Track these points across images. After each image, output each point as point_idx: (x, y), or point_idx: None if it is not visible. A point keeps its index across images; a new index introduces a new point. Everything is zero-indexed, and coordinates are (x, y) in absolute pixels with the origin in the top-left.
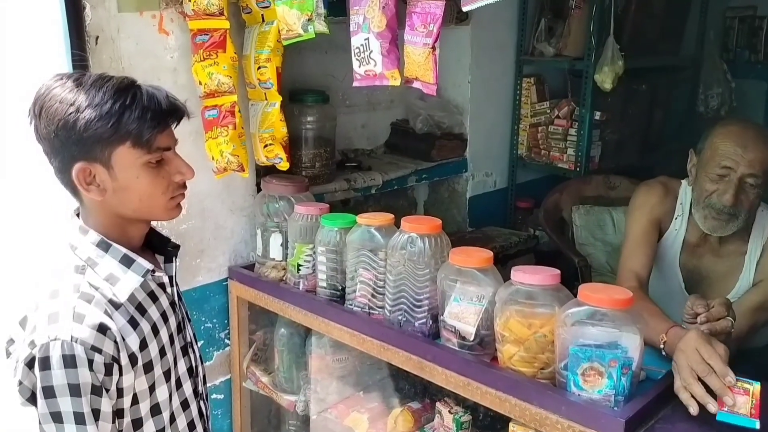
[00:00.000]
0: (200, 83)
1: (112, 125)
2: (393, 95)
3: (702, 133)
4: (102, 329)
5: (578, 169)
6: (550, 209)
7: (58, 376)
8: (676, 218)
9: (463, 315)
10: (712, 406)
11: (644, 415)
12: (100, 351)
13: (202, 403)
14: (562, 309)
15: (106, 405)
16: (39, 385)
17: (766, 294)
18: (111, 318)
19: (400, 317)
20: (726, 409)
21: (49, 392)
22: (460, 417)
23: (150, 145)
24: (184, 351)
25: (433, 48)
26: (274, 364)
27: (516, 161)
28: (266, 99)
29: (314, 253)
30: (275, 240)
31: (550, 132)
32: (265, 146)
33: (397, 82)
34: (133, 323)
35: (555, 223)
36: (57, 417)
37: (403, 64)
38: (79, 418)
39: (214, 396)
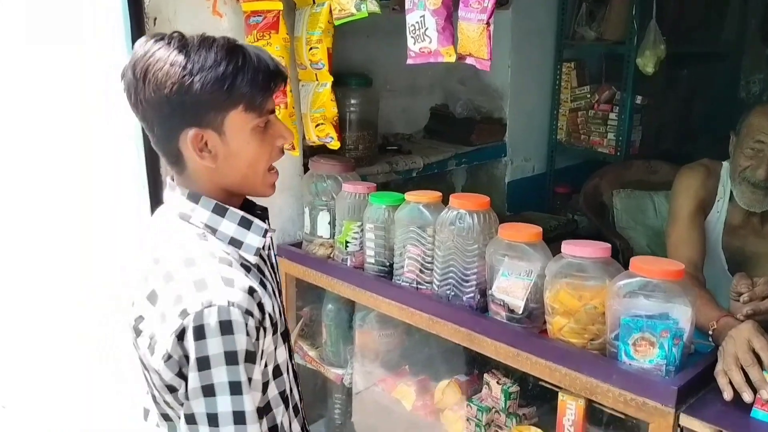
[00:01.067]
0: None
1: (227, 88)
2: (433, 80)
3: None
4: (251, 292)
5: (618, 153)
6: (590, 194)
7: (215, 344)
8: (718, 200)
9: (511, 289)
10: (747, 395)
11: (695, 386)
12: (252, 314)
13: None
14: (614, 280)
15: (258, 372)
16: (193, 357)
17: None
18: (251, 281)
19: (448, 291)
20: (762, 407)
21: (204, 363)
22: (508, 387)
23: (262, 108)
24: (280, 313)
25: (488, 24)
26: (321, 338)
27: (555, 146)
28: (317, 79)
29: (361, 230)
30: (323, 218)
31: (590, 116)
32: (317, 126)
33: (452, 59)
34: (263, 285)
35: (595, 207)
36: (209, 390)
37: (457, 41)
38: (235, 388)
39: None
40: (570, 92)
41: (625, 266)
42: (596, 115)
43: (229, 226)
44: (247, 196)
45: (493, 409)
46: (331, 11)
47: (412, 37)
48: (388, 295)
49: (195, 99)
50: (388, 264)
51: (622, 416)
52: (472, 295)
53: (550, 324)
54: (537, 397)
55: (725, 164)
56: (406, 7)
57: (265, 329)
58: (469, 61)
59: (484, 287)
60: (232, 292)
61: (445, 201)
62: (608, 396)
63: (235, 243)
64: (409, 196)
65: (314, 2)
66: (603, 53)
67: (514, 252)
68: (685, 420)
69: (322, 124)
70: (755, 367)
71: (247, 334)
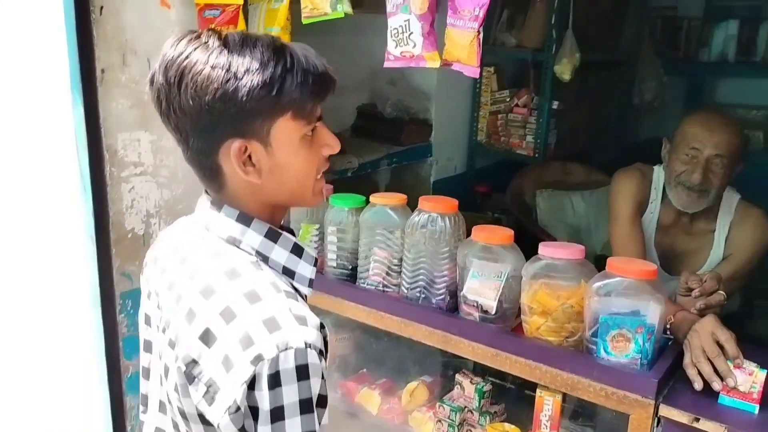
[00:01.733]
0: None
1: (276, 94)
2: (360, 80)
3: (637, 123)
4: (320, 328)
5: (536, 155)
6: (515, 193)
7: (291, 392)
8: (651, 202)
9: (483, 290)
10: (716, 384)
11: (667, 376)
12: (323, 355)
13: None
14: (592, 280)
15: (325, 416)
16: (266, 407)
17: (736, 266)
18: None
19: (418, 294)
20: (729, 394)
21: (278, 415)
22: (482, 386)
23: (312, 114)
24: None
25: (478, 32)
26: None
27: (476, 147)
28: None
29: (320, 233)
30: None
31: (509, 119)
32: None
33: (436, 64)
34: None
35: (520, 206)
36: None
37: (442, 47)
38: None
39: None
40: (490, 96)
41: None
42: (515, 119)
43: (281, 253)
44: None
45: (466, 409)
46: (290, 8)
47: (393, 40)
48: (354, 298)
49: (240, 106)
50: (350, 267)
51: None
52: (442, 296)
53: (527, 323)
54: (504, 395)
55: (656, 168)
56: (388, 10)
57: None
58: (456, 67)
59: (454, 289)
60: (308, 332)
61: (409, 204)
62: (589, 390)
63: (288, 273)
64: (375, 198)
65: None
66: (522, 59)
67: (487, 254)
68: (665, 410)
69: None
70: (720, 358)
71: (322, 377)
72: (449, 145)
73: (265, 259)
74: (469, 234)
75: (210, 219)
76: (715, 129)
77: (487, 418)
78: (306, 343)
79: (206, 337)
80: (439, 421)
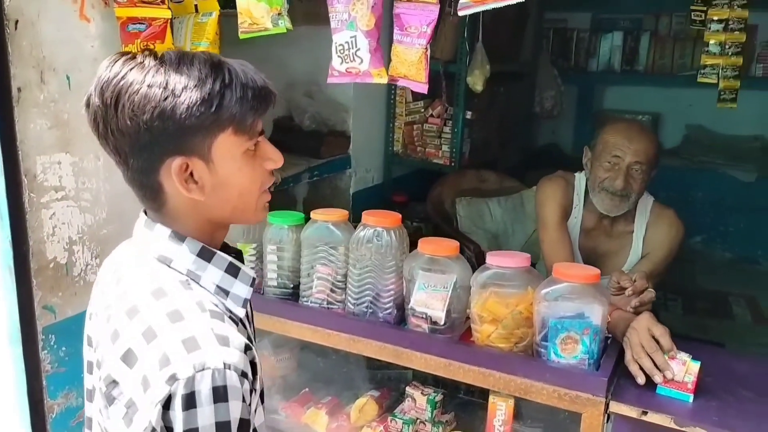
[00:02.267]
0: None
1: (215, 109)
2: (279, 92)
3: (539, 131)
4: (246, 349)
5: (452, 164)
6: (435, 202)
7: (206, 414)
8: (575, 207)
9: (430, 301)
10: (657, 377)
11: (613, 374)
12: (246, 377)
13: None
14: (540, 286)
15: None
16: (179, 430)
17: (654, 263)
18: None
19: (365, 309)
20: (666, 384)
21: None
22: (434, 397)
23: (253, 129)
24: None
25: (426, 48)
26: None
27: (392, 157)
28: None
29: (257, 252)
30: None
31: (425, 130)
32: None
33: (384, 80)
34: (250, 341)
35: (441, 214)
36: None
37: (388, 63)
38: None
39: None
40: (405, 107)
41: (479, 266)
42: (431, 129)
43: (215, 273)
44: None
45: (418, 420)
46: (218, 21)
47: (339, 56)
48: (298, 317)
49: (179, 124)
50: (291, 286)
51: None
52: (389, 310)
53: (477, 332)
54: (452, 403)
55: (578, 175)
56: (332, 26)
57: (254, 391)
58: (402, 83)
59: (400, 302)
60: (228, 353)
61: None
62: (542, 393)
63: (221, 293)
64: (316, 214)
65: (197, 10)
66: (435, 71)
67: (434, 265)
68: (615, 406)
69: None
70: (658, 353)
71: (243, 399)
72: (367, 156)
73: (197, 278)
74: (413, 246)
75: (143, 238)
76: (635, 138)
77: (440, 427)
78: (225, 364)
79: (127, 358)
80: None
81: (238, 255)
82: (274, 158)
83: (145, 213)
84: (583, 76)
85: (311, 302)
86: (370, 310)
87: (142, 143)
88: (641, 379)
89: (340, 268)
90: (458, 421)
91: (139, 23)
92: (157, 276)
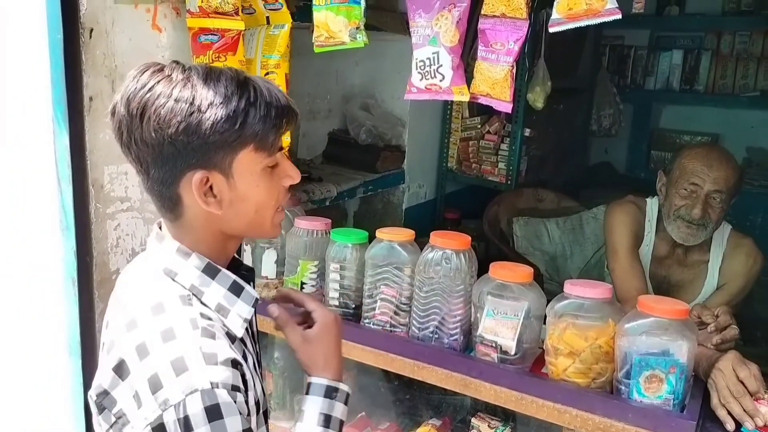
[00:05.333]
0: None
1: (239, 127)
2: (331, 105)
3: (599, 150)
4: (235, 364)
5: (509, 182)
6: (491, 220)
7: None
8: (647, 234)
9: (499, 329)
10: (749, 424)
11: (699, 416)
12: (239, 389)
13: None
14: (624, 320)
15: None
16: None
17: (731, 295)
18: (235, 353)
19: (430, 334)
20: (752, 427)
21: None
22: (502, 430)
23: (273, 147)
24: (263, 390)
25: (512, 66)
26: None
27: (445, 173)
28: None
29: (318, 270)
30: (269, 257)
31: (481, 146)
32: None
33: (465, 98)
34: (244, 358)
35: (496, 234)
36: None
37: (470, 79)
38: None
39: None
40: (461, 122)
41: None
42: (487, 146)
43: (218, 290)
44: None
45: None
46: (291, 34)
47: (419, 72)
48: (360, 340)
49: (203, 139)
50: (353, 306)
51: None
52: (455, 336)
53: (552, 365)
54: None
55: (649, 201)
56: (413, 41)
57: (248, 406)
58: (484, 101)
59: (467, 328)
60: (214, 371)
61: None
62: None
63: (222, 311)
64: (381, 233)
65: (269, 23)
66: None
67: (505, 291)
68: None
69: None
70: (747, 397)
71: (239, 412)
72: (420, 172)
73: (199, 293)
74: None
75: (152, 248)
76: (715, 165)
77: None
78: (212, 383)
79: (120, 370)
80: None
81: (250, 272)
82: (292, 175)
83: (159, 227)
84: (641, 95)
85: (374, 324)
86: (436, 335)
87: (165, 155)
88: (730, 426)
89: (405, 290)
90: None
91: (212, 34)
92: (160, 290)
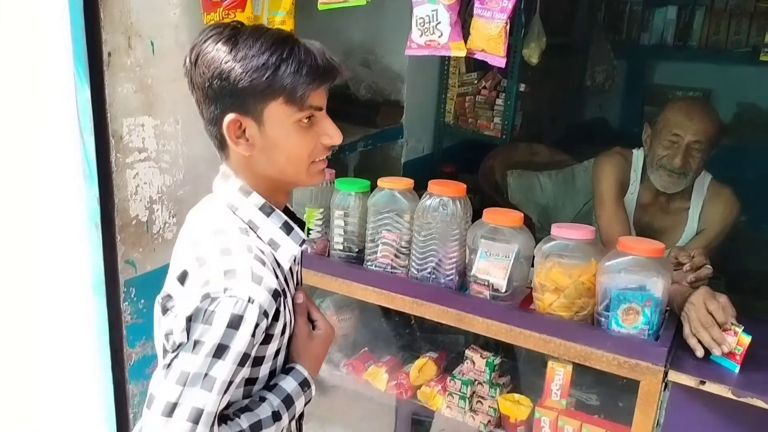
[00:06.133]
0: None
1: (267, 78)
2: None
3: (590, 105)
4: (275, 295)
5: (504, 136)
6: (487, 173)
7: (215, 333)
8: (632, 183)
9: (492, 269)
10: (716, 351)
11: (672, 345)
12: (267, 316)
13: None
14: (605, 258)
15: (238, 376)
16: (191, 337)
17: (708, 240)
18: (278, 285)
19: (428, 275)
20: (719, 354)
21: (196, 347)
22: (492, 360)
23: (303, 102)
24: None
25: (506, 23)
26: None
27: (443, 128)
28: None
29: (323, 217)
30: None
31: (477, 102)
32: None
33: (462, 53)
34: (284, 295)
35: (491, 186)
36: (183, 378)
37: (467, 36)
38: (208, 383)
39: None
40: (458, 78)
41: None
42: (483, 101)
43: (271, 226)
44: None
45: (476, 382)
46: None
47: (419, 29)
48: (363, 280)
49: (234, 86)
50: (356, 250)
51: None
52: (451, 277)
53: (539, 300)
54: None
55: (635, 152)
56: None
57: (271, 336)
58: (480, 56)
59: (462, 269)
60: (256, 290)
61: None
62: (602, 360)
63: (273, 245)
64: (383, 182)
65: None
66: None
67: (497, 235)
68: (673, 375)
69: None
70: (715, 327)
71: (253, 335)
72: (418, 127)
73: (255, 227)
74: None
75: (218, 185)
76: (696, 117)
77: (497, 389)
78: (250, 298)
79: (182, 277)
80: (450, 394)
81: (300, 225)
82: (332, 134)
83: (224, 167)
84: (635, 51)
85: (376, 266)
86: (433, 276)
87: (209, 97)
88: (700, 352)
89: (405, 235)
90: (514, 385)
91: None
92: (222, 219)
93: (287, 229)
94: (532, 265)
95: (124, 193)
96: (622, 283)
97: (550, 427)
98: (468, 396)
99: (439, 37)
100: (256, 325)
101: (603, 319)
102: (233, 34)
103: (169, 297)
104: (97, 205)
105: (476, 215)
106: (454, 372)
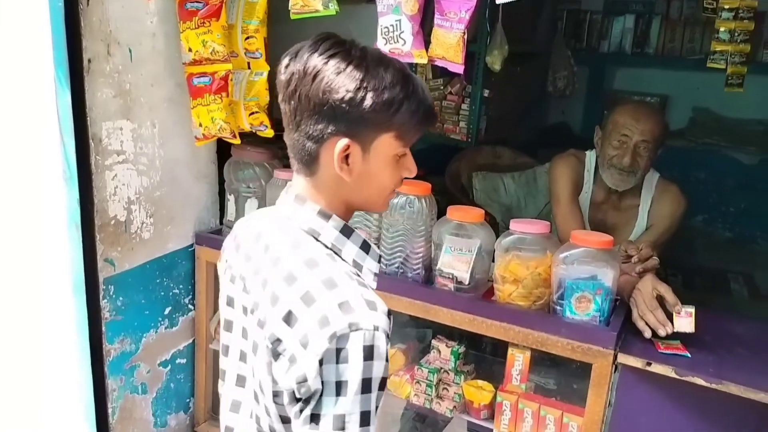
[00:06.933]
0: (190, 50)
1: (392, 112)
2: None
3: (552, 110)
4: (389, 314)
5: (469, 140)
6: (453, 176)
7: (355, 370)
8: (585, 183)
9: (455, 264)
10: (661, 331)
11: (621, 330)
12: (389, 338)
13: None
14: (559, 251)
15: (381, 400)
16: (331, 380)
17: (657, 234)
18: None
19: (396, 269)
20: (665, 350)
21: (340, 388)
22: (457, 349)
23: (411, 140)
24: None
25: (464, 33)
26: None
27: None
28: (249, 68)
29: None
30: (251, 205)
31: (444, 106)
32: (251, 114)
33: (424, 60)
34: None
35: (457, 188)
36: (339, 422)
37: (428, 44)
38: (365, 419)
39: (177, 361)
40: (426, 84)
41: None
42: (449, 106)
43: (352, 248)
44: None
45: (442, 370)
46: (269, 1)
47: (384, 38)
48: None
49: (360, 114)
50: None
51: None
52: (418, 271)
53: (499, 291)
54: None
55: (588, 153)
56: (379, 9)
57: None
58: (440, 63)
59: (428, 264)
60: (377, 317)
61: None
62: (558, 346)
63: (357, 266)
64: None
65: None
66: None
67: (461, 231)
68: (622, 358)
69: (256, 112)
70: (659, 310)
71: (386, 359)
72: None
73: (339, 251)
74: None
75: (293, 211)
76: (642, 118)
77: (462, 376)
78: (374, 326)
79: (288, 319)
80: (417, 382)
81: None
82: (411, 169)
83: (293, 186)
84: (595, 58)
85: None
86: (401, 271)
87: (324, 114)
88: (648, 333)
89: (374, 232)
90: (477, 372)
91: (197, 2)
92: (307, 247)
93: (366, 248)
94: (493, 259)
95: (104, 194)
96: (575, 273)
97: (511, 410)
98: (434, 383)
99: (403, 45)
100: (386, 350)
101: (558, 308)
102: (362, 58)
103: (279, 341)
104: (77, 206)
105: (442, 214)
106: (421, 361)
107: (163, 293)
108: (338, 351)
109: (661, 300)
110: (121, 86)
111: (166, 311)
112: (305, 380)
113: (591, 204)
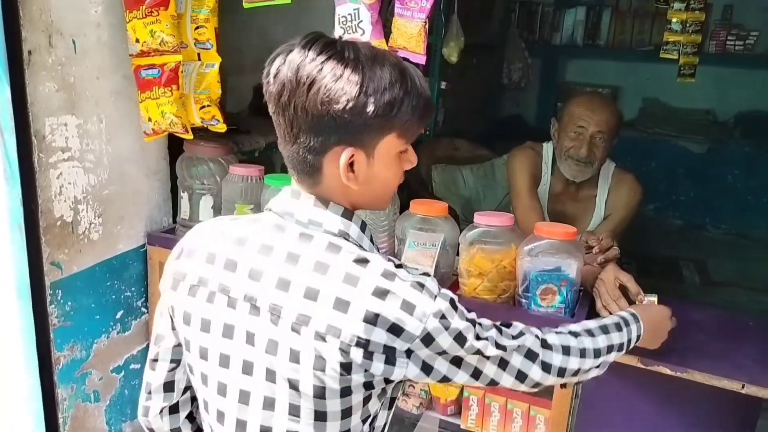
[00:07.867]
0: (137, 41)
1: (394, 113)
2: (257, 59)
3: (510, 102)
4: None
5: (428, 133)
6: (412, 168)
7: (457, 320)
8: (544, 175)
9: (419, 258)
10: None
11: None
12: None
13: None
14: (524, 243)
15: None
16: (448, 341)
17: (615, 223)
18: None
19: None
20: None
21: (466, 338)
22: None
23: (414, 135)
24: None
25: (425, 22)
26: None
27: None
28: (200, 59)
29: (253, 212)
30: (206, 202)
31: None
32: (201, 108)
33: None
34: None
35: (417, 180)
36: (498, 352)
37: (389, 34)
38: (505, 333)
39: (131, 366)
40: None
41: None
42: None
43: (368, 244)
44: None
45: None
46: None
47: (341, 27)
48: None
49: (364, 120)
50: None
51: None
52: None
53: (465, 285)
54: None
55: (545, 145)
56: None
57: None
58: (401, 53)
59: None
60: (432, 282)
61: None
62: None
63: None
64: None
65: None
66: None
67: (424, 225)
68: None
69: (207, 106)
70: (622, 299)
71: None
72: None
73: (362, 248)
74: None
75: (315, 215)
76: (597, 109)
77: None
78: (439, 289)
79: (369, 317)
80: None
81: None
82: (413, 161)
83: (298, 189)
84: (548, 50)
85: None
86: None
87: (324, 126)
88: None
89: None
90: None
91: None
92: (346, 248)
93: (373, 242)
94: (458, 253)
95: (48, 193)
96: (540, 265)
97: (478, 404)
98: None
99: (361, 35)
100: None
101: (524, 300)
102: (356, 59)
103: (366, 342)
104: (20, 206)
105: (404, 208)
106: None
107: (114, 296)
108: (437, 316)
109: (623, 289)
110: (65, 79)
111: (118, 315)
112: (410, 353)
113: (549, 196)
